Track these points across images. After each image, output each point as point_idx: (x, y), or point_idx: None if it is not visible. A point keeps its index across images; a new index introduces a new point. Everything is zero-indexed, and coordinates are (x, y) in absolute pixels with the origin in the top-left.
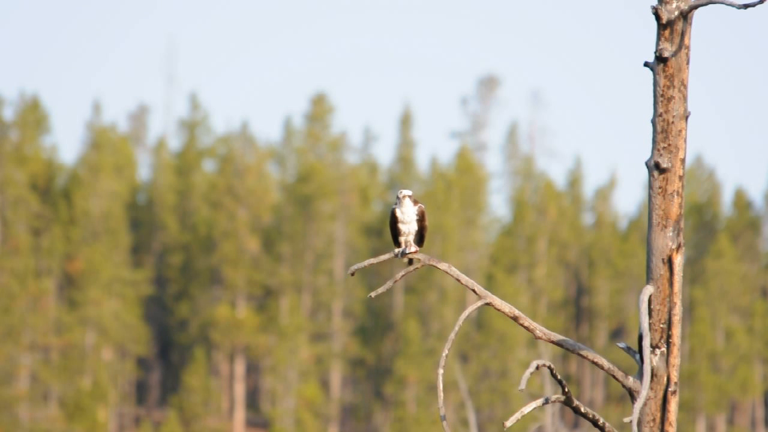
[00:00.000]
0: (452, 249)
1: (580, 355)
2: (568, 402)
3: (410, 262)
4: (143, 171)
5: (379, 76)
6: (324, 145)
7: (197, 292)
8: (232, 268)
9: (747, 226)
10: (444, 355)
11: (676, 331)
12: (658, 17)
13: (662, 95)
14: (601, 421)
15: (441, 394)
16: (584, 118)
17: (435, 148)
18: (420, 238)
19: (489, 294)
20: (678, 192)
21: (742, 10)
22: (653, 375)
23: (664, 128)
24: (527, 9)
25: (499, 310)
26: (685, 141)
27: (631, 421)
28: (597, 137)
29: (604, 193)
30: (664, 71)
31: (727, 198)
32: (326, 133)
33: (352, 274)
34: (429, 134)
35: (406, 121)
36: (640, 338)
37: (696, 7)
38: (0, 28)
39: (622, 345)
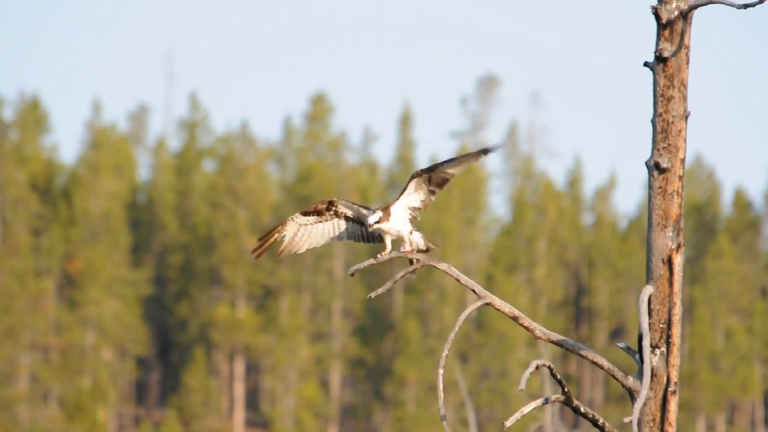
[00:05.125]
0: (452, 249)
1: (580, 355)
2: (567, 402)
3: (410, 261)
4: (143, 171)
5: (379, 76)
6: (324, 145)
7: (197, 292)
8: (232, 268)
9: (747, 226)
10: (444, 355)
11: (676, 331)
12: (658, 17)
13: (662, 95)
14: (601, 421)
15: (441, 394)
16: (584, 118)
17: (435, 148)
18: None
19: (489, 294)
20: (678, 192)
21: (742, 10)
22: (653, 375)
23: (664, 128)
24: (527, 9)
25: (498, 310)
26: (685, 141)
27: (631, 421)
28: (597, 137)
29: (603, 193)
30: (664, 71)
31: (727, 198)
32: (326, 133)
33: (352, 275)
34: (429, 134)
35: (406, 121)
36: (640, 338)
37: (696, 7)
38: (0, 28)
39: (621, 345)
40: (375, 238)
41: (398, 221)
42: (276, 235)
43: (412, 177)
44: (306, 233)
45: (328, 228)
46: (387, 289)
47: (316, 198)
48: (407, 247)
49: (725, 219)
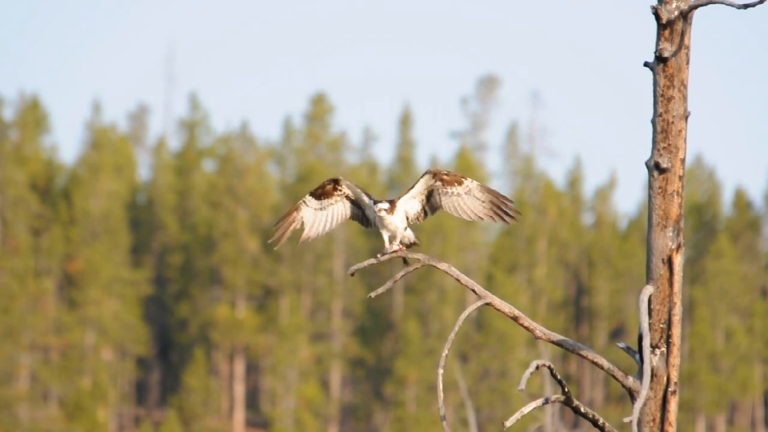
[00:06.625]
0: (452, 249)
1: (580, 355)
2: (567, 402)
3: (405, 261)
4: (143, 171)
5: (379, 76)
6: (324, 145)
7: (197, 292)
8: (232, 268)
9: (747, 226)
10: (444, 355)
11: (676, 331)
12: (658, 17)
13: (662, 95)
14: (601, 421)
15: (441, 394)
16: (584, 118)
17: (435, 148)
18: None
19: (489, 294)
20: (678, 192)
21: (742, 10)
22: (653, 375)
23: (664, 128)
24: (527, 9)
25: (498, 310)
26: (685, 141)
27: (631, 421)
28: (597, 137)
29: (604, 193)
30: (664, 71)
31: (727, 198)
32: (326, 133)
33: (352, 275)
34: (429, 134)
35: (406, 121)
36: (640, 338)
37: (696, 7)
38: (0, 28)
39: (621, 345)
40: (371, 224)
41: (398, 217)
42: (293, 223)
43: (424, 174)
44: (322, 218)
45: (339, 210)
46: (387, 289)
47: None
48: (395, 246)
49: (725, 219)
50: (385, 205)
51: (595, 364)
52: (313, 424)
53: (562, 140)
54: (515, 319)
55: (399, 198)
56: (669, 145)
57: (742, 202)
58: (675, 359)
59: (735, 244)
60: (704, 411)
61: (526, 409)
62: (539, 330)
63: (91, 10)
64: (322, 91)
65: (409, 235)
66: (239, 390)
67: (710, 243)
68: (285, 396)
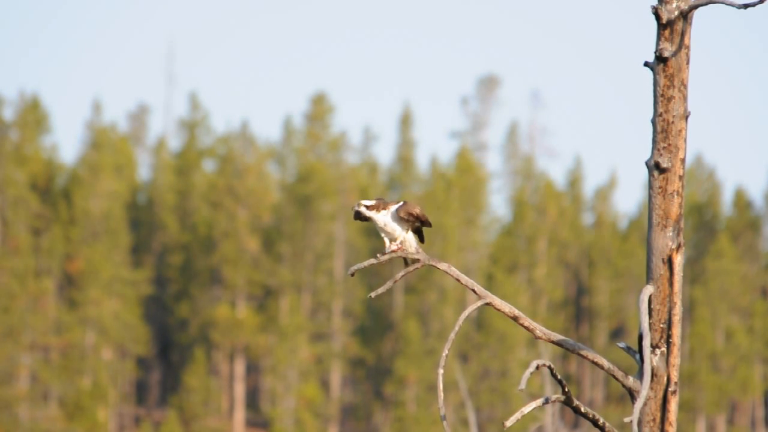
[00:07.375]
0: (452, 249)
1: (580, 355)
2: (568, 402)
3: (406, 262)
4: (143, 171)
5: (379, 76)
6: (324, 145)
7: (197, 292)
8: (232, 268)
9: (747, 226)
10: (444, 355)
11: (676, 331)
12: (658, 17)
13: (662, 95)
14: (601, 421)
15: (441, 394)
16: (584, 118)
17: (435, 148)
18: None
19: (489, 294)
20: (678, 192)
21: (742, 10)
22: (653, 375)
23: (664, 128)
24: (527, 9)
25: (499, 310)
26: (685, 141)
27: (631, 421)
28: (597, 137)
29: (604, 193)
30: (664, 71)
31: (727, 198)
32: (326, 133)
33: (352, 275)
34: (429, 134)
35: (406, 121)
36: (640, 338)
37: (696, 7)
38: (0, 28)
39: (622, 345)
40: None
41: (393, 218)
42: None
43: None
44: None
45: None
46: (387, 289)
47: (316, 198)
48: (395, 245)
49: (725, 219)
50: (369, 203)
51: (595, 364)
52: (313, 424)
53: (562, 140)
54: (515, 319)
55: (394, 202)
56: (669, 144)
57: (742, 202)
58: (675, 359)
59: (735, 244)
60: (704, 411)
61: (526, 409)
62: (539, 330)
63: (91, 10)
64: (322, 91)
65: (411, 240)
66: (239, 390)
67: (710, 243)
68: (285, 396)
